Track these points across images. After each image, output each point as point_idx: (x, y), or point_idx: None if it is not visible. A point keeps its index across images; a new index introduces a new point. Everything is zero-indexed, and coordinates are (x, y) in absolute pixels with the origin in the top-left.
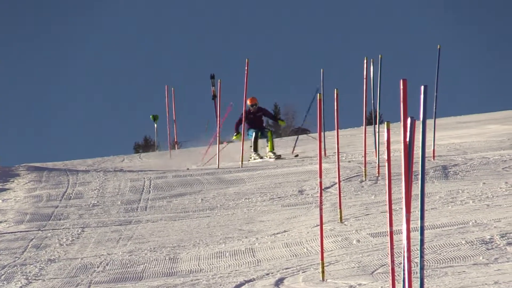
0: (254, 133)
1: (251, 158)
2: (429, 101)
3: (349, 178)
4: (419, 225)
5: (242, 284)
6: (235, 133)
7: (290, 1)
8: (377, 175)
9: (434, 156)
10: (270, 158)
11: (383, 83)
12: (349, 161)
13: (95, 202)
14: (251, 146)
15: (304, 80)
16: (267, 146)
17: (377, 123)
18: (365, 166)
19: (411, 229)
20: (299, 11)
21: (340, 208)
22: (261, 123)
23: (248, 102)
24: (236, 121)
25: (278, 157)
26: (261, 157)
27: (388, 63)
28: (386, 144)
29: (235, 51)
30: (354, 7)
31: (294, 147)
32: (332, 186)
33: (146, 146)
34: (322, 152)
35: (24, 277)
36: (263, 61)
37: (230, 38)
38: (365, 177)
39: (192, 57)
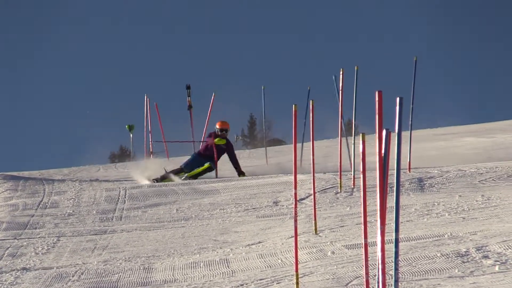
0: (205, 166)
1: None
2: (405, 113)
3: (324, 189)
4: (394, 237)
5: None
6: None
7: (268, 8)
8: (352, 186)
9: (409, 168)
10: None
11: (359, 94)
12: (324, 173)
13: (71, 211)
14: (186, 174)
15: (279, 90)
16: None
17: (353, 134)
18: (340, 178)
19: (386, 241)
20: (276, 19)
21: (315, 219)
22: (217, 157)
23: (217, 126)
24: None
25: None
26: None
27: (364, 74)
28: (361, 156)
29: (212, 60)
30: (330, 17)
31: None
32: (307, 197)
33: (121, 155)
34: (298, 163)
35: None
36: (239, 72)
37: (207, 47)
38: (340, 188)
39: (168, 66)
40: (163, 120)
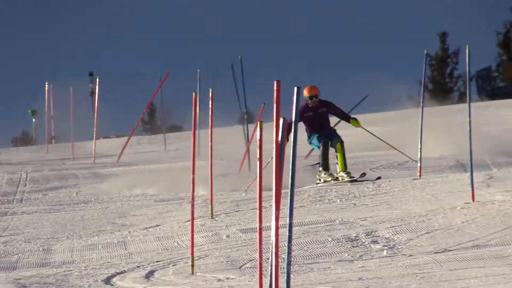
0: (322, 144)
1: (320, 180)
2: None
3: (222, 175)
4: (287, 222)
5: (113, 275)
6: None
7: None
8: (249, 172)
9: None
10: (342, 180)
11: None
12: (222, 159)
13: None
14: (318, 164)
15: (181, 79)
16: (337, 162)
17: (246, 123)
18: (241, 164)
19: (279, 226)
20: (173, 11)
21: (211, 204)
22: (328, 124)
23: (305, 93)
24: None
25: (353, 179)
26: (335, 178)
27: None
28: (258, 143)
29: (115, 49)
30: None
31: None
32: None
33: (24, 140)
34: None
35: None
36: (140, 58)
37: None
38: (238, 174)
39: (71, 53)
40: (63, 106)
